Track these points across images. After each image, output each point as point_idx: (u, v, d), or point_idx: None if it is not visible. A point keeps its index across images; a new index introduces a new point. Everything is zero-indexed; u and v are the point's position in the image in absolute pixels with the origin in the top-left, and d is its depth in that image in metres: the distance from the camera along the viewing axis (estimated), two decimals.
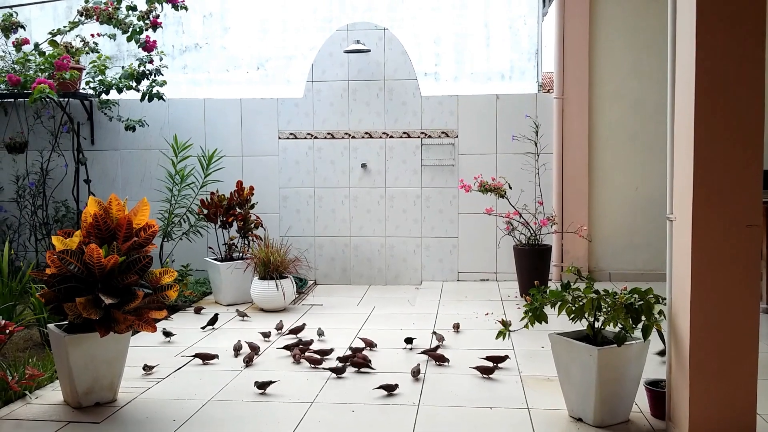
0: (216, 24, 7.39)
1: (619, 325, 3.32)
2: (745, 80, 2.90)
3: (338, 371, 4.15)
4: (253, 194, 6.52)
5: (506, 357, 4.27)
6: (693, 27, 2.92)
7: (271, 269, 5.90)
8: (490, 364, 4.19)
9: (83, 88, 6.67)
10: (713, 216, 2.94)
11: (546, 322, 3.51)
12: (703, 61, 2.91)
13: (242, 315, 5.67)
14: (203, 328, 5.31)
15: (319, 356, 4.42)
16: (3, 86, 6.35)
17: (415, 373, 4.10)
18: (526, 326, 3.55)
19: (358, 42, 6.86)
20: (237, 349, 4.64)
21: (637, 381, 3.43)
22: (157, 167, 7.12)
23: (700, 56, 2.91)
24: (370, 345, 4.70)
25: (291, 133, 7.10)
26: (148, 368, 4.25)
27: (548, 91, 7.02)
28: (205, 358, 4.47)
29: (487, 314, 5.62)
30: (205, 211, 6.39)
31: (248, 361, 4.41)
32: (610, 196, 6.90)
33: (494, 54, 7.11)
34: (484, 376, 4.11)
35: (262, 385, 3.90)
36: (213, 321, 5.36)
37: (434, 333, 4.94)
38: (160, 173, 6.95)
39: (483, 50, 7.12)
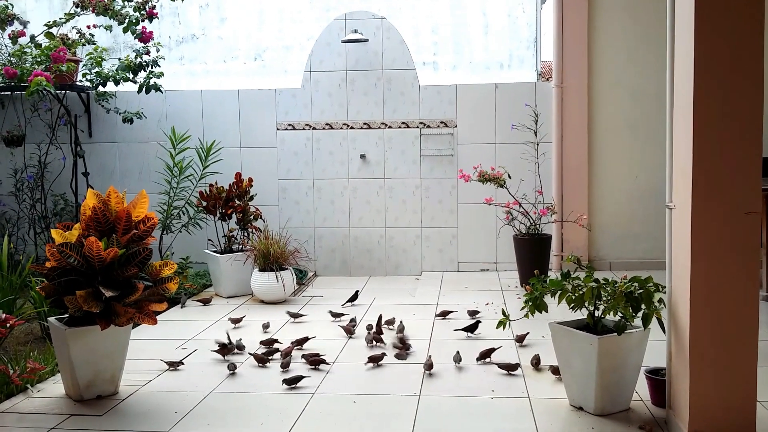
0: (212, 14, 7.35)
1: (619, 313, 3.32)
2: (744, 68, 2.89)
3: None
4: (251, 186, 6.51)
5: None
6: (692, 14, 2.90)
7: (271, 261, 5.90)
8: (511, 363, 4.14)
9: (80, 81, 6.64)
10: (713, 204, 2.93)
11: (546, 311, 3.51)
12: (702, 49, 2.90)
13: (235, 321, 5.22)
14: (343, 304, 5.67)
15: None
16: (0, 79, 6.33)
17: (428, 366, 4.06)
18: (526, 316, 3.55)
19: (355, 31, 6.82)
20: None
21: (637, 369, 3.44)
22: (155, 159, 7.10)
23: (698, 44, 2.89)
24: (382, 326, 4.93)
25: (289, 124, 7.08)
26: (171, 364, 4.21)
27: (547, 79, 6.99)
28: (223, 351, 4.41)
29: (487, 304, 5.62)
30: (204, 203, 6.38)
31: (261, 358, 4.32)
32: (609, 185, 6.89)
33: (493, 43, 7.08)
34: (510, 373, 4.04)
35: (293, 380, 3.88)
36: (353, 298, 5.72)
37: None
38: (159, 165, 6.93)
39: (481, 39, 7.09)
